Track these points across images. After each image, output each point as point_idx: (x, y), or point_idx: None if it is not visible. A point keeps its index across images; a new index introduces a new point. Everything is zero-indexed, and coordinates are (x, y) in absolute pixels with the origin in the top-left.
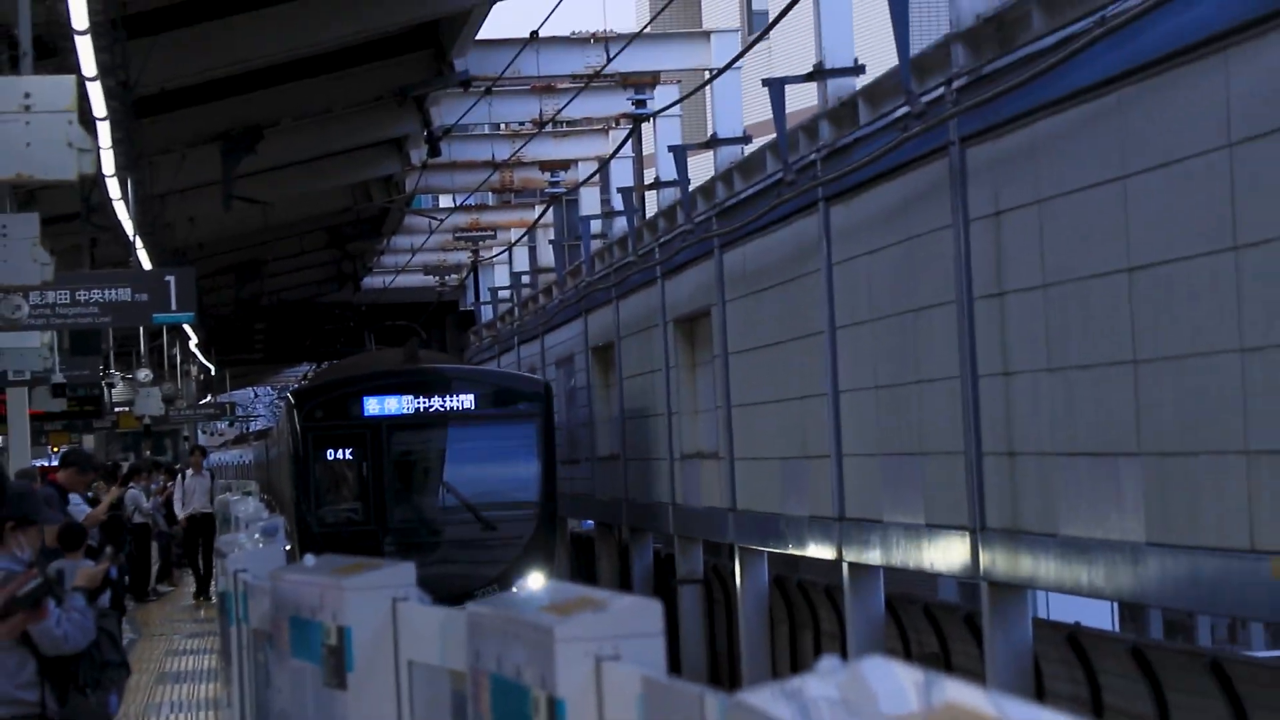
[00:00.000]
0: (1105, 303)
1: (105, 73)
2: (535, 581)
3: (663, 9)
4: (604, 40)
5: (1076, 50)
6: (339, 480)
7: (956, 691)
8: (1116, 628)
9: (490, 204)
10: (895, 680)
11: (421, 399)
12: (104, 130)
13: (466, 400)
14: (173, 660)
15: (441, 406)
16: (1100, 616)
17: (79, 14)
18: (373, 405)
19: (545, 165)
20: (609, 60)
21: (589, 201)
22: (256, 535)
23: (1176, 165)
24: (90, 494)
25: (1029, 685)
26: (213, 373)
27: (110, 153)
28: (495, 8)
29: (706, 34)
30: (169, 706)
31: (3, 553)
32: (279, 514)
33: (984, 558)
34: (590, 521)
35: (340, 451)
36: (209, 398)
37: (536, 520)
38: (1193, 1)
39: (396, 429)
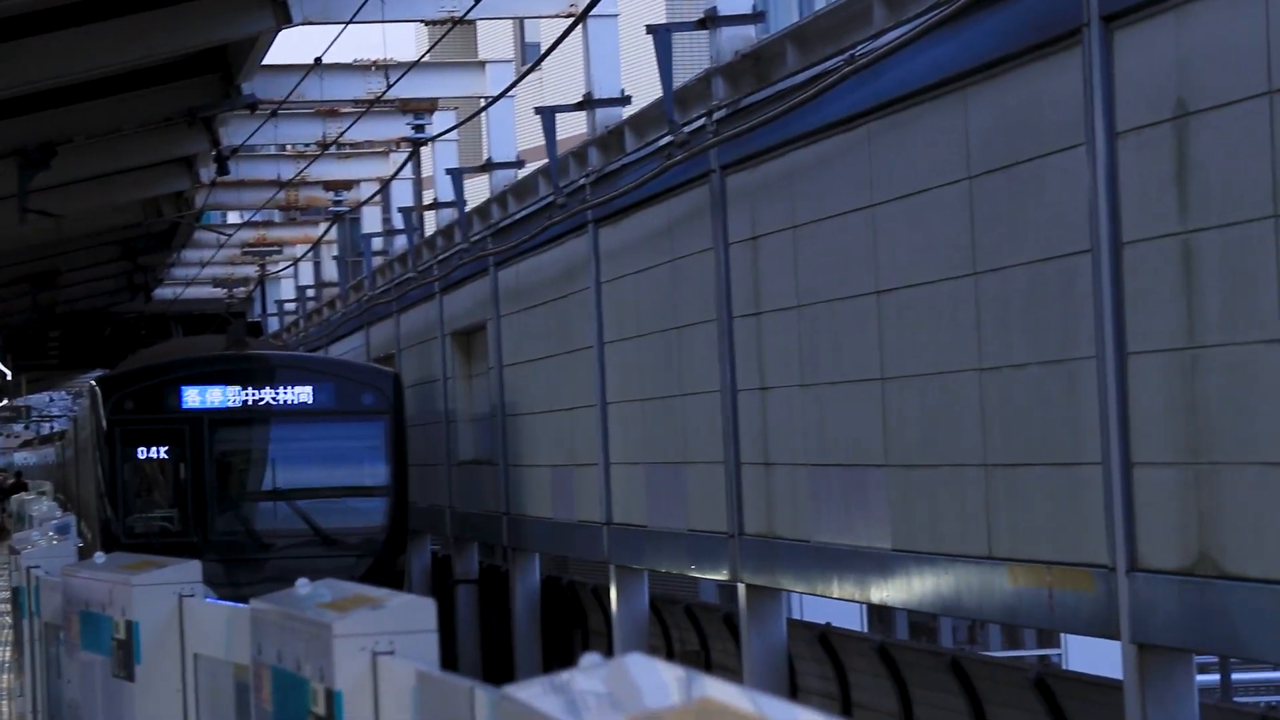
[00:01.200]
0: (854, 323)
1: None
2: None
3: (440, 39)
4: (384, 68)
5: (828, 86)
6: (151, 484)
7: (714, 687)
8: (865, 628)
9: (277, 220)
10: (657, 676)
11: (250, 390)
12: None
13: (303, 392)
14: None
15: (273, 399)
16: (850, 617)
17: None
18: (193, 396)
19: (329, 185)
20: (389, 86)
21: (371, 220)
22: (50, 533)
23: (920, 195)
24: None
25: (783, 682)
26: (9, 378)
27: None
28: (280, 35)
29: (482, 64)
30: None
31: None
32: (73, 514)
33: (741, 562)
34: None
35: (154, 449)
36: (5, 402)
37: (383, 534)
38: (934, 43)
39: (220, 424)
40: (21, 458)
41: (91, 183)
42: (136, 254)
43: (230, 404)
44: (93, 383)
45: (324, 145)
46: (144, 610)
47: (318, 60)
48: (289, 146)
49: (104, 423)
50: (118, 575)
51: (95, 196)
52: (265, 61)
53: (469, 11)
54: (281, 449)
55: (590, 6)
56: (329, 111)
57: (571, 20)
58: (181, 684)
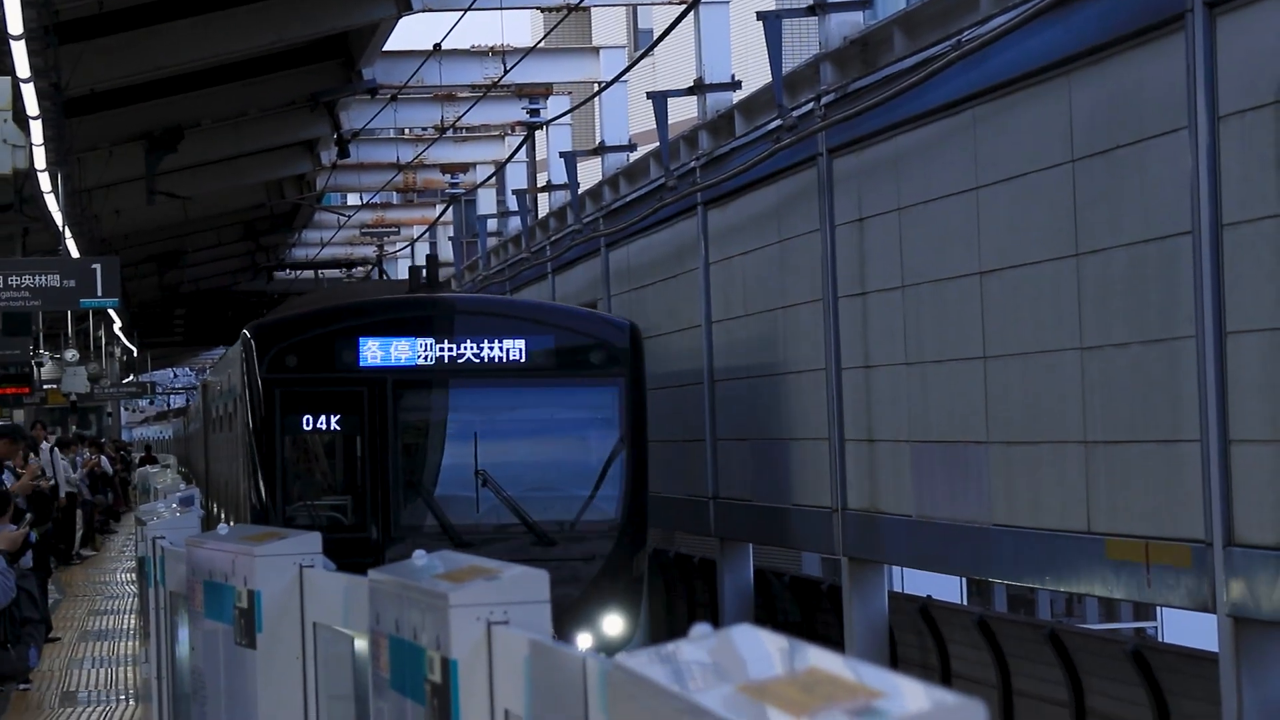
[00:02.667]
0: (958, 303)
1: (38, 75)
2: (612, 628)
3: (556, 25)
4: (501, 53)
5: (934, 71)
6: (315, 462)
7: (819, 657)
8: (965, 601)
9: (394, 203)
10: (763, 647)
11: (447, 343)
12: (36, 128)
13: (514, 347)
14: (94, 619)
15: (476, 356)
16: (950, 590)
17: (14, 20)
18: (374, 351)
19: (445, 168)
20: (506, 72)
21: (486, 202)
22: (174, 504)
23: (1024, 178)
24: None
25: (884, 653)
26: (135, 354)
27: (42, 149)
28: (401, 21)
29: (596, 49)
30: (90, 662)
31: None
32: (196, 488)
33: (844, 536)
34: None
35: (322, 419)
36: (131, 377)
37: (617, 530)
38: (1039, 28)
39: (408, 387)
40: (154, 431)
41: (217, 165)
42: (259, 234)
43: (421, 361)
44: (245, 333)
45: (441, 129)
46: (266, 580)
47: (437, 46)
48: (407, 130)
49: (259, 384)
50: (241, 546)
51: (220, 179)
52: (386, 48)
53: None
54: (487, 420)
55: None
56: (447, 96)
57: (684, 7)
58: (301, 652)
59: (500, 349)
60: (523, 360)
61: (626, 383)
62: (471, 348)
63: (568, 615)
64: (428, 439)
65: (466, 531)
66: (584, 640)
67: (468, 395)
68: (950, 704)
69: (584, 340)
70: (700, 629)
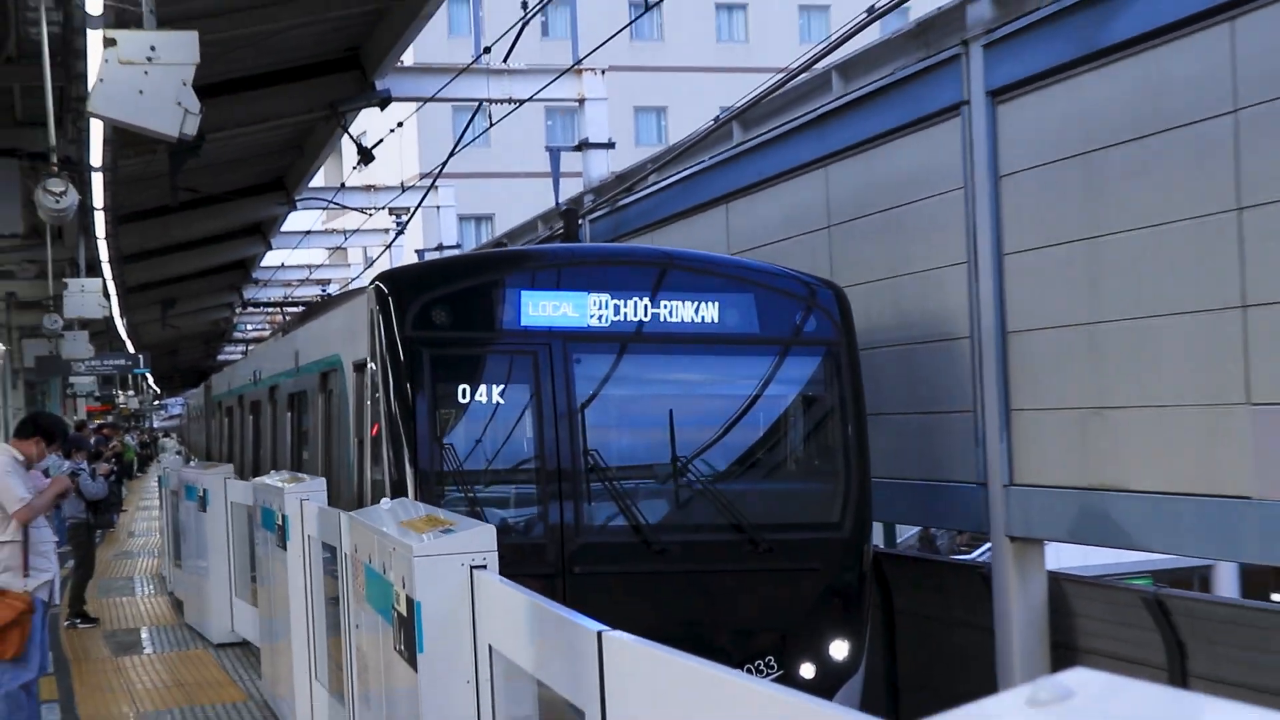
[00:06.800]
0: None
1: (116, 277)
2: (838, 652)
3: (331, 256)
4: (309, 266)
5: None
6: (470, 446)
7: (432, 510)
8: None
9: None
10: (411, 509)
11: (628, 296)
12: (114, 301)
13: (706, 308)
14: (141, 501)
15: (659, 317)
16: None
17: (104, 250)
18: (539, 306)
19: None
20: (309, 275)
21: None
22: (174, 454)
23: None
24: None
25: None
26: (159, 392)
27: (117, 308)
28: (268, 253)
29: (348, 265)
30: (140, 519)
31: (71, 461)
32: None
33: None
34: None
35: (482, 391)
36: (157, 402)
37: (845, 537)
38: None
39: (586, 352)
40: (168, 424)
41: (190, 314)
42: (210, 341)
43: (599, 321)
44: (377, 284)
45: (288, 301)
46: (211, 485)
47: (282, 264)
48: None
49: (399, 346)
50: (200, 470)
51: (193, 320)
52: (264, 263)
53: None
54: (685, 395)
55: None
56: (288, 284)
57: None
58: (226, 517)
59: (689, 309)
60: (716, 323)
61: (844, 352)
62: (658, 308)
63: (794, 631)
64: (610, 417)
65: (663, 531)
66: (808, 670)
67: (662, 363)
68: (476, 527)
69: (790, 301)
70: (385, 501)
